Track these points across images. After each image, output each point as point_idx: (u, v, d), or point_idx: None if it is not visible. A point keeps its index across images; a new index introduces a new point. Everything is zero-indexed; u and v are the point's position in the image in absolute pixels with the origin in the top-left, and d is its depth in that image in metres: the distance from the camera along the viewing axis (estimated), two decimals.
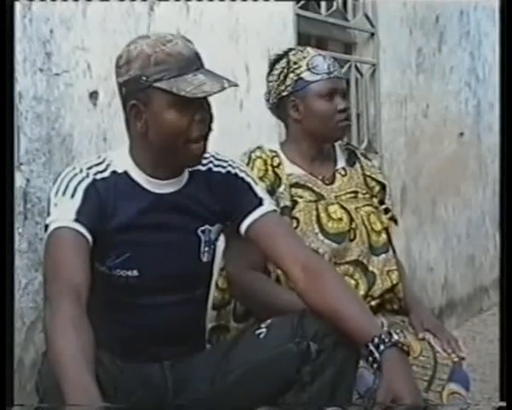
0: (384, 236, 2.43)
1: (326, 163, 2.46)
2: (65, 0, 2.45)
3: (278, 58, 2.44)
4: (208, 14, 3.07)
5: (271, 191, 2.29)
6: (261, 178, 2.30)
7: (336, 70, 2.39)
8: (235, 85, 1.92)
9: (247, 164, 2.33)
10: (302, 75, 2.38)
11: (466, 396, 2.20)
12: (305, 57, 2.40)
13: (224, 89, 1.88)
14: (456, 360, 2.23)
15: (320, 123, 2.38)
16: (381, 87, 4.39)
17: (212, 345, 2.33)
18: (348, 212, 2.38)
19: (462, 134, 5.34)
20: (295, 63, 2.39)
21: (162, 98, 1.86)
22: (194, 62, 1.90)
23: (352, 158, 2.52)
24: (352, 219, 2.38)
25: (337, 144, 2.56)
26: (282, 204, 2.29)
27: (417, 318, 2.36)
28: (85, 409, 1.57)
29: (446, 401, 2.16)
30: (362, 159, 2.53)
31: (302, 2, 3.77)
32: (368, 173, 2.50)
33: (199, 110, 1.88)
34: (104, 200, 1.90)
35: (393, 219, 2.51)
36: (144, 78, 1.86)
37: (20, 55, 2.31)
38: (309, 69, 2.38)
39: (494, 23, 5.37)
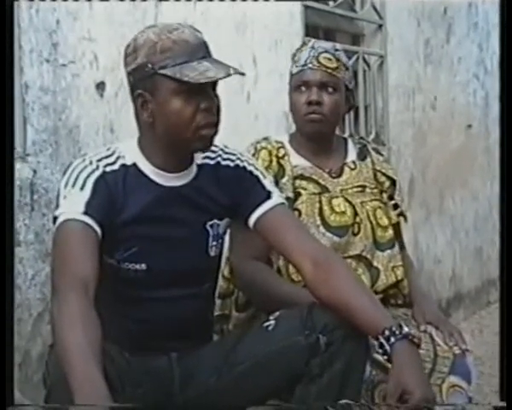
0: (390, 231, 2.41)
1: (334, 156, 2.44)
2: None
3: (293, 54, 2.45)
4: (215, 6, 3.05)
5: (275, 182, 2.28)
6: (265, 169, 2.29)
7: (312, 62, 2.35)
8: (242, 74, 1.90)
9: (253, 155, 2.33)
10: (291, 69, 2.42)
11: (467, 389, 2.18)
12: (301, 51, 2.41)
13: (229, 75, 1.85)
14: (457, 352, 2.22)
15: (294, 116, 2.41)
16: (388, 79, 4.38)
17: (219, 337, 2.33)
18: (353, 206, 2.37)
19: (470, 126, 5.32)
20: (295, 56, 2.42)
21: (167, 86, 1.84)
22: (200, 50, 1.87)
23: (363, 152, 2.50)
24: (356, 213, 2.36)
25: (349, 138, 2.55)
26: (284, 195, 2.27)
27: (420, 310, 2.35)
28: (88, 409, 1.56)
29: (446, 393, 2.15)
30: (373, 153, 2.51)
31: None
32: (378, 168, 2.47)
33: (205, 99, 1.86)
34: (114, 192, 1.89)
35: (402, 215, 2.49)
36: (150, 65, 1.85)
37: (27, 46, 2.31)
38: (294, 62, 2.40)
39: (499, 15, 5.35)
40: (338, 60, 2.37)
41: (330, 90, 2.35)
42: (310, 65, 2.35)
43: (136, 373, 1.82)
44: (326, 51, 2.37)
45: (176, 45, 1.85)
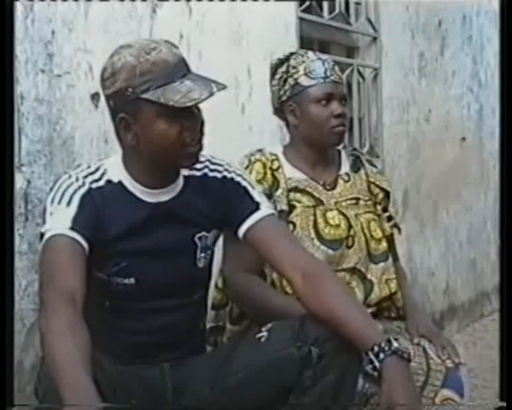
0: (384, 244, 2.41)
1: (329, 168, 2.44)
2: (65, 0, 2.45)
3: (280, 62, 2.43)
4: (210, 17, 3.06)
5: (269, 195, 2.28)
6: (260, 181, 2.29)
7: (333, 74, 2.36)
8: (224, 88, 1.87)
9: (247, 167, 2.33)
10: (299, 80, 2.37)
11: (460, 402, 2.18)
12: (303, 62, 2.38)
13: (212, 94, 1.83)
14: (450, 365, 2.21)
15: (315, 128, 2.36)
16: (383, 91, 4.39)
17: (212, 348, 2.32)
18: (347, 218, 2.37)
19: (464, 139, 5.34)
20: (294, 68, 2.38)
21: (150, 109, 1.83)
22: (180, 69, 1.86)
23: (356, 164, 2.50)
24: (350, 226, 2.36)
25: (342, 150, 2.55)
26: (278, 208, 2.28)
27: (413, 323, 2.34)
28: (85, 409, 1.56)
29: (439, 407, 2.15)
30: (367, 165, 2.51)
31: (305, 6, 3.76)
32: (372, 180, 2.48)
33: (188, 117, 1.85)
34: (100, 209, 1.89)
35: (396, 227, 2.50)
36: (131, 89, 1.83)
37: (22, 56, 2.31)
38: (306, 74, 2.36)
39: (496, 28, 5.37)
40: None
41: (343, 102, 2.38)
42: (332, 77, 2.36)
43: (128, 384, 1.83)
44: (334, 63, 2.41)
45: (155, 67, 1.83)
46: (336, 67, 2.40)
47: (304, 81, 2.36)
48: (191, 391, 1.95)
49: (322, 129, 2.35)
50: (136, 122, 1.85)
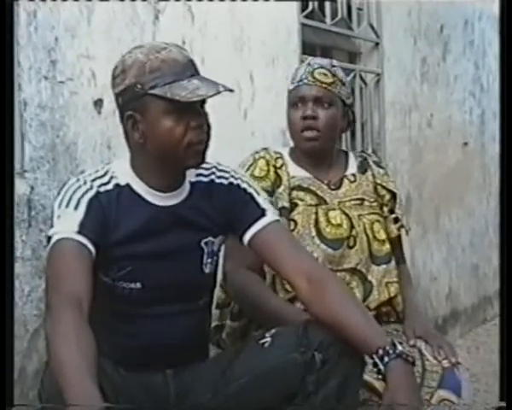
0: (387, 246, 2.41)
1: (334, 168, 2.46)
2: (66, 0, 2.46)
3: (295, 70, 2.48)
4: (213, 23, 3.07)
5: (271, 192, 2.31)
6: (262, 178, 2.32)
7: (308, 78, 2.37)
8: (231, 91, 1.89)
9: (251, 164, 2.35)
10: (289, 86, 2.44)
11: (457, 403, 2.17)
12: (298, 68, 2.45)
13: (219, 92, 1.86)
14: (446, 365, 2.21)
15: (290, 131, 2.42)
16: (385, 96, 4.39)
17: (215, 354, 2.33)
18: (350, 218, 2.38)
19: (466, 144, 5.34)
20: (293, 74, 2.45)
21: (157, 105, 1.85)
22: (188, 69, 1.88)
23: (363, 165, 2.51)
24: (352, 226, 2.37)
25: (350, 151, 2.57)
26: (280, 205, 2.30)
27: (410, 325, 2.34)
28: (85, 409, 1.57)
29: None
30: (374, 167, 2.51)
31: (307, 11, 3.76)
32: (378, 181, 2.48)
33: (195, 117, 1.87)
34: (107, 213, 1.89)
35: (404, 228, 2.50)
36: (139, 86, 1.85)
37: (25, 63, 2.31)
38: (292, 79, 2.43)
39: (498, 33, 5.37)
40: (334, 75, 2.39)
41: (326, 105, 2.36)
42: (305, 80, 2.37)
43: (131, 389, 1.83)
44: (321, 67, 2.40)
45: (164, 64, 1.86)
46: (318, 71, 2.38)
47: (289, 87, 2.43)
48: (194, 397, 1.95)
49: (293, 132, 2.41)
50: (144, 119, 1.87)
